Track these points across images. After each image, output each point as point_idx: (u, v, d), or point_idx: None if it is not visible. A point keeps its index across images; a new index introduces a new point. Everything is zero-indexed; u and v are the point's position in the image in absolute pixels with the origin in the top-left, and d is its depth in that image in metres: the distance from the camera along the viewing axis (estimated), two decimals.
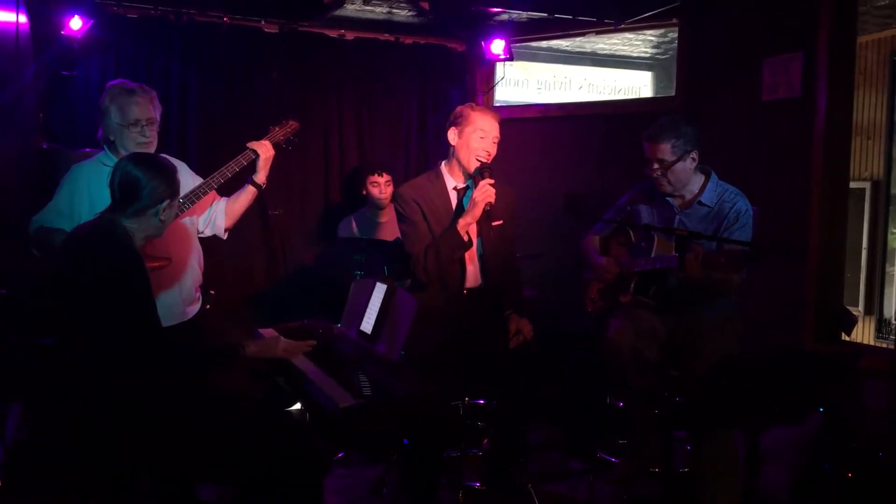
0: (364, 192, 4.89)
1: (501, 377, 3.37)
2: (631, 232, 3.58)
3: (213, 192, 3.42)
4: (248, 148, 3.49)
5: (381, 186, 4.81)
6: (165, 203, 2.63)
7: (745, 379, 2.47)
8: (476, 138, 3.43)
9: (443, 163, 3.58)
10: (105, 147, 3.32)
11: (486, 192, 3.33)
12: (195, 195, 3.29)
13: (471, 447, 3.71)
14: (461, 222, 3.35)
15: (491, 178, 3.37)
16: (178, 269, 3.33)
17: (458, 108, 3.53)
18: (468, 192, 3.49)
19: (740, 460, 3.16)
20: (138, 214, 2.60)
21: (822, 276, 4.03)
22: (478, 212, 3.33)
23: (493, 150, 3.46)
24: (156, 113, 3.31)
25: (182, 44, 4.87)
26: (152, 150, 3.30)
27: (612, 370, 3.43)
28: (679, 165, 3.36)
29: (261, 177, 3.50)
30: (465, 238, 3.37)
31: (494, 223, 3.46)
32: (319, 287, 4.74)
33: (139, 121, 3.24)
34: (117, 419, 2.41)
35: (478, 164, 3.43)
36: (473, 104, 3.58)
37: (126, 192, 2.58)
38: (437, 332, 3.19)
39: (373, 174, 4.85)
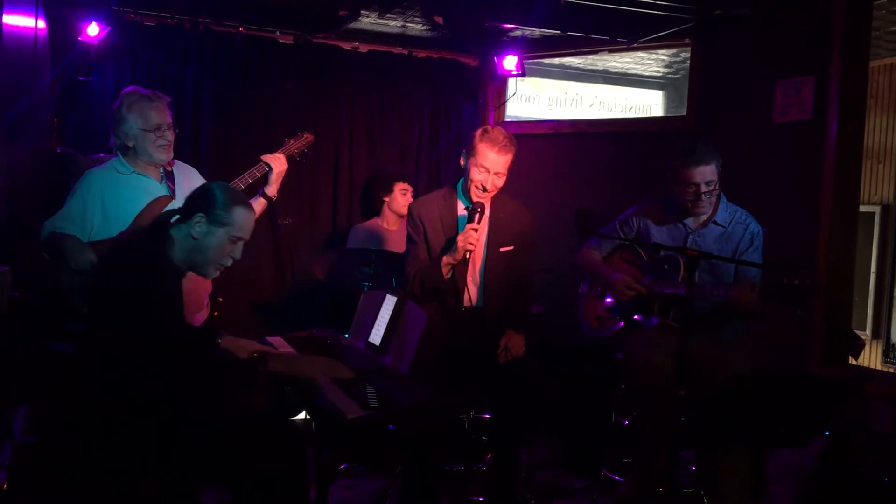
0: (386, 199, 4.90)
1: (493, 393, 3.36)
2: (641, 251, 3.57)
3: None
4: (261, 160, 3.51)
5: (408, 195, 4.84)
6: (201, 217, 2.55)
7: (751, 400, 2.47)
8: (476, 171, 3.37)
9: (461, 180, 3.56)
10: (118, 153, 3.34)
11: (468, 237, 3.27)
12: None
13: (475, 461, 3.70)
14: (444, 259, 3.34)
15: (479, 221, 3.31)
16: (188, 277, 3.34)
17: (475, 132, 3.43)
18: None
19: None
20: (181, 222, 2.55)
21: (830, 300, 4.03)
22: (458, 255, 3.30)
23: (493, 184, 3.37)
24: (171, 118, 3.36)
25: (197, 52, 4.91)
26: (171, 154, 3.36)
27: (641, 393, 3.37)
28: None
29: (272, 189, 3.53)
30: (447, 275, 3.35)
31: (503, 249, 3.46)
32: (327, 297, 4.76)
33: (160, 125, 3.28)
34: (123, 424, 2.42)
35: (476, 192, 3.39)
36: (487, 130, 3.42)
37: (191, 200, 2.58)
38: (430, 347, 3.18)
39: (403, 181, 4.89)
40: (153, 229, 2.58)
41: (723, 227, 3.43)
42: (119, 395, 2.42)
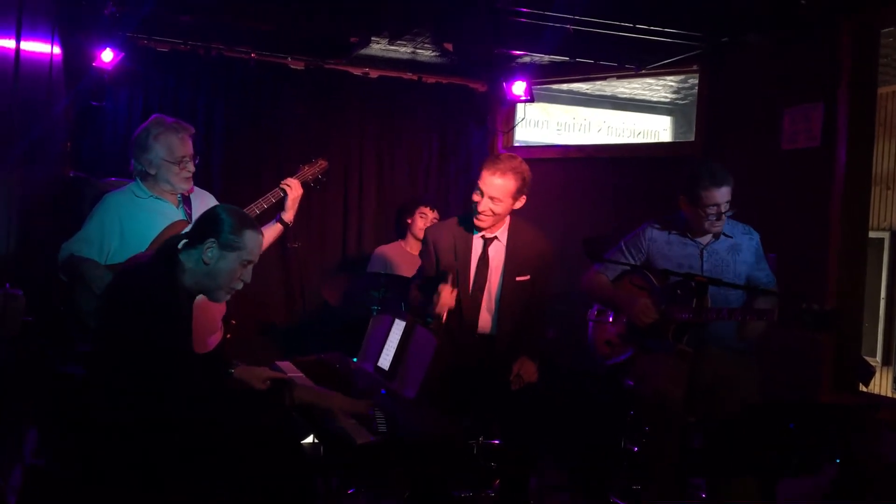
0: (409, 221, 4.95)
1: (502, 419, 3.35)
2: (651, 276, 3.56)
3: None
4: (279, 186, 3.55)
5: (427, 219, 4.88)
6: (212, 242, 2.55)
7: (762, 428, 2.46)
8: (475, 193, 3.38)
9: None
10: (137, 179, 3.37)
11: (443, 300, 3.28)
12: None
13: (484, 488, 3.68)
14: (435, 311, 3.35)
15: (453, 284, 3.30)
16: (203, 302, 3.35)
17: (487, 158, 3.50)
18: (494, 241, 3.50)
19: None
20: (189, 248, 2.56)
21: (839, 326, 4.01)
22: (436, 312, 3.31)
23: (487, 207, 3.35)
24: (192, 149, 3.39)
25: (210, 78, 4.98)
26: (191, 183, 3.40)
27: (651, 419, 3.36)
28: None
29: (289, 215, 3.55)
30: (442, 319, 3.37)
31: (519, 278, 3.45)
32: (340, 320, 4.76)
33: (185, 157, 3.31)
34: (131, 445, 2.42)
35: (475, 217, 3.40)
36: (497, 155, 3.49)
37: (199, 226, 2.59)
38: (440, 372, 3.19)
39: (426, 206, 4.94)
40: (162, 254, 2.59)
41: (730, 237, 3.49)
42: (128, 417, 2.43)
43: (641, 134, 6.72)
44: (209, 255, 2.55)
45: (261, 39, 4.94)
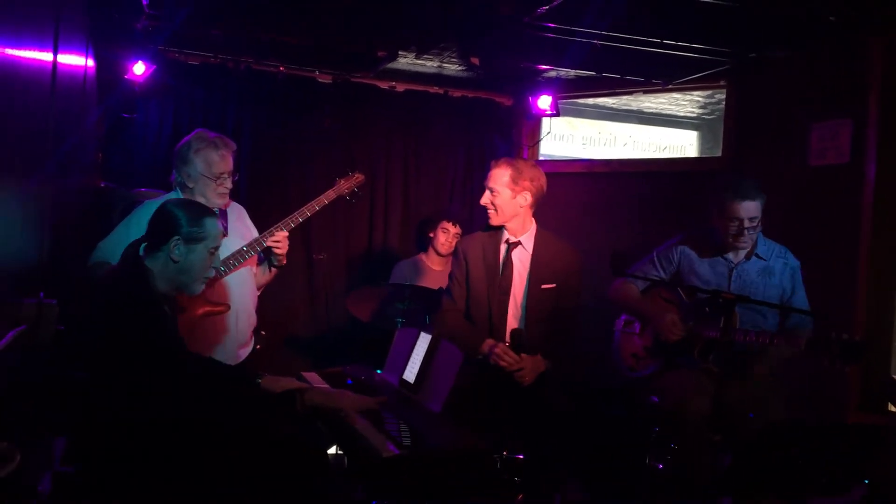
0: (431, 235, 4.97)
1: (526, 433, 3.35)
2: (681, 291, 3.54)
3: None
4: (314, 199, 3.62)
5: (449, 234, 4.90)
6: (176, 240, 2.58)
7: (789, 448, 2.44)
8: None
9: None
10: (177, 189, 3.42)
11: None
12: (257, 244, 3.42)
13: (507, 502, 3.67)
14: (482, 348, 3.41)
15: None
16: (236, 314, 3.40)
17: None
18: (518, 246, 3.53)
19: None
20: (154, 250, 2.58)
21: (868, 346, 3.96)
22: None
23: (488, 200, 3.50)
24: (233, 165, 3.42)
25: (239, 91, 5.04)
26: (227, 198, 3.43)
27: (677, 436, 3.35)
28: None
29: (283, 261, 3.57)
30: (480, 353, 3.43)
31: (544, 286, 3.47)
32: (361, 332, 4.78)
33: (223, 174, 3.35)
34: (154, 454, 2.44)
35: None
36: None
37: (156, 228, 2.61)
38: (464, 384, 3.19)
39: (448, 220, 4.97)
40: (129, 265, 2.59)
41: (764, 259, 3.47)
42: (131, 421, 2.44)
43: (667, 149, 6.69)
44: (176, 252, 2.58)
45: (289, 53, 4.99)
